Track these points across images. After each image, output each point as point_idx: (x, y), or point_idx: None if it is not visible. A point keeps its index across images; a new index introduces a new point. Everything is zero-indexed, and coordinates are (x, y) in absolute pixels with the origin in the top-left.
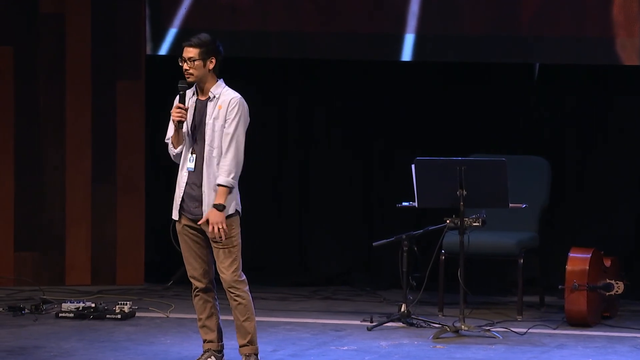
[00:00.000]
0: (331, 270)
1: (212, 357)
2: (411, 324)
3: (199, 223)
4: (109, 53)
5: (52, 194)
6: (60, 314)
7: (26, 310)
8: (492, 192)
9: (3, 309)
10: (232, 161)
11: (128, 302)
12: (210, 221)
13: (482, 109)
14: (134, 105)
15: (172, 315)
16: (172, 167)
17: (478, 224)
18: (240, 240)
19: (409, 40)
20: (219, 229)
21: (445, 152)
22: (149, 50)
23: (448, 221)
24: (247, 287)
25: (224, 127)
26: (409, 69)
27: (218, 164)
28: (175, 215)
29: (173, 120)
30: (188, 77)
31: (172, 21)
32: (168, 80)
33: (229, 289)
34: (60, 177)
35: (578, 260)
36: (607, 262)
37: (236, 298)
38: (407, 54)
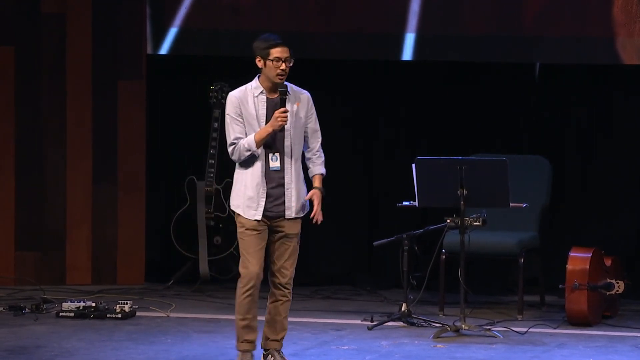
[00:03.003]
0: (332, 270)
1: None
2: (412, 324)
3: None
4: (109, 52)
5: (53, 193)
6: (60, 314)
7: (27, 310)
8: (492, 192)
9: (4, 309)
10: (322, 156)
11: (129, 302)
12: (316, 202)
13: (483, 108)
14: (135, 104)
15: (172, 315)
16: (173, 167)
17: (479, 224)
18: None
19: (409, 39)
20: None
21: (446, 152)
22: (149, 50)
23: (449, 221)
24: None
25: (307, 124)
26: (410, 69)
27: (298, 159)
28: (255, 215)
29: (280, 125)
30: (282, 78)
31: (173, 20)
32: (169, 79)
33: (286, 285)
34: (61, 176)
35: (579, 259)
36: (608, 262)
37: (288, 294)
38: (407, 54)
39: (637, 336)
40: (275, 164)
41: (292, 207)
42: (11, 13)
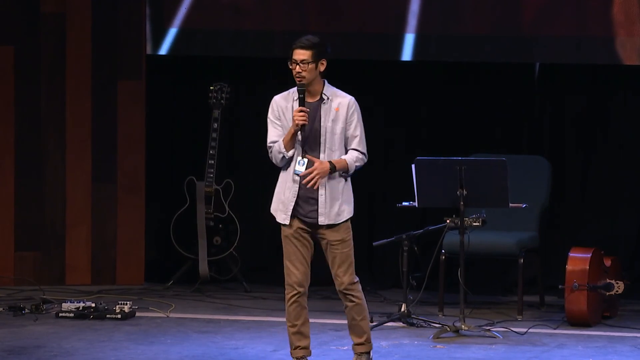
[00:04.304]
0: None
1: None
2: (411, 324)
3: (302, 174)
4: (109, 52)
5: (53, 193)
6: (60, 314)
7: (26, 310)
8: (492, 192)
9: (3, 309)
10: (361, 156)
11: (128, 302)
12: (315, 168)
13: (483, 108)
14: (134, 104)
15: (172, 315)
16: (173, 167)
17: (478, 224)
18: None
19: (409, 39)
20: (314, 179)
21: (445, 152)
22: (149, 50)
23: (448, 221)
24: (360, 287)
25: (346, 130)
26: (409, 69)
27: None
28: (285, 220)
29: (297, 124)
30: (300, 80)
31: (173, 21)
32: (169, 79)
33: (345, 291)
34: (61, 177)
35: (578, 260)
36: (608, 262)
37: (353, 299)
38: (407, 54)
39: (636, 337)
40: (300, 168)
41: (324, 213)
42: (11, 13)
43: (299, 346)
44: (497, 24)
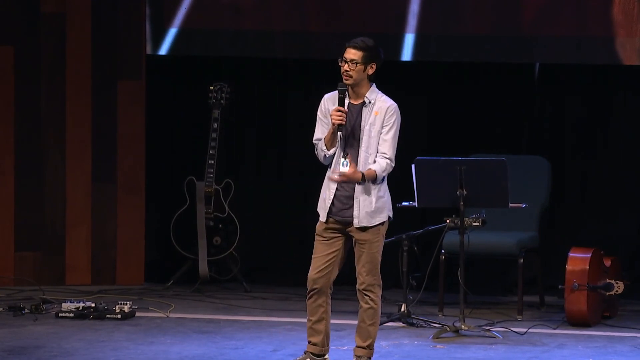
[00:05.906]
0: None
1: (308, 359)
2: (411, 324)
3: (333, 173)
4: (109, 52)
5: (53, 194)
6: (60, 314)
7: (26, 310)
8: (492, 192)
9: (3, 309)
10: (389, 164)
11: (128, 302)
12: (346, 173)
13: (483, 108)
14: (134, 104)
15: (172, 315)
16: (173, 167)
17: (478, 224)
18: (382, 245)
19: (409, 40)
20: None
21: (445, 152)
22: (149, 50)
23: (448, 221)
24: (380, 293)
25: (381, 134)
26: (409, 69)
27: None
28: (323, 217)
29: (333, 124)
30: (346, 79)
31: (173, 21)
32: (169, 79)
33: (365, 291)
34: (61, 177)
35: (578, 260)
36: (607, 262)
37: (369, 302)
38: (407, 54)
39: (636, 337)
40: (343, 168)
41: (358, 216)
42: (11, 13)
43: (309, 341)
44: (497, 24)
